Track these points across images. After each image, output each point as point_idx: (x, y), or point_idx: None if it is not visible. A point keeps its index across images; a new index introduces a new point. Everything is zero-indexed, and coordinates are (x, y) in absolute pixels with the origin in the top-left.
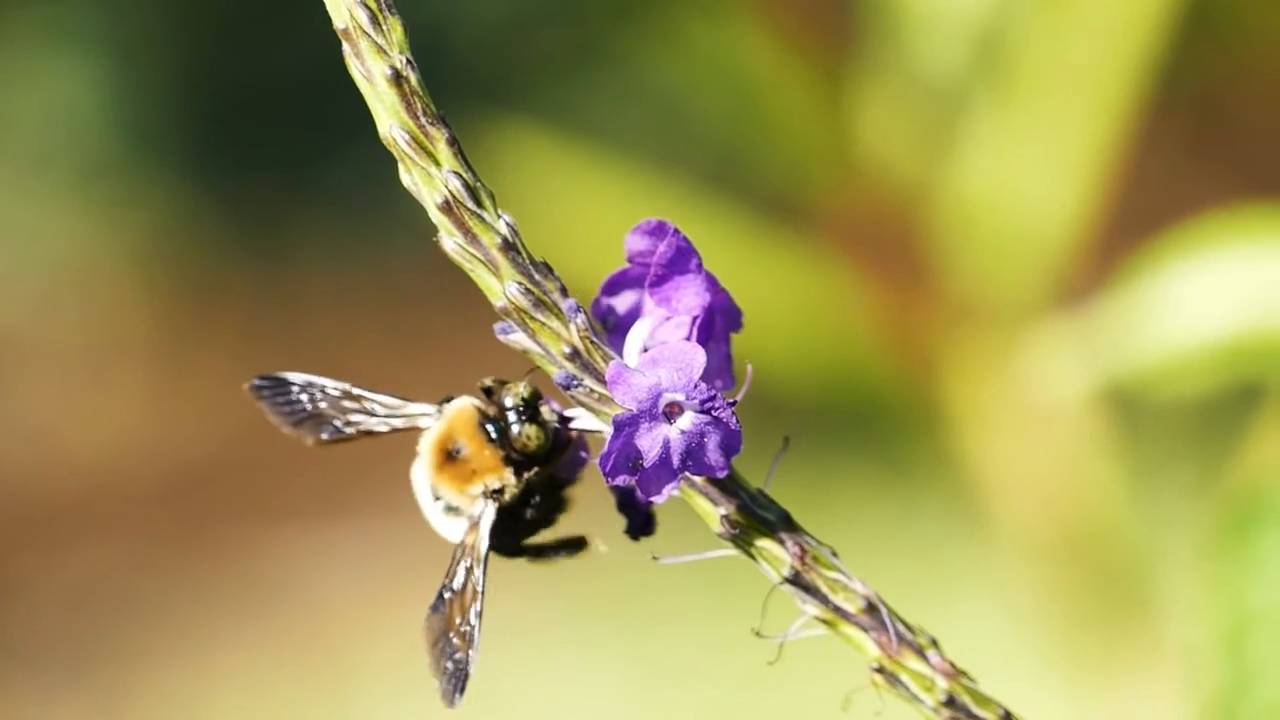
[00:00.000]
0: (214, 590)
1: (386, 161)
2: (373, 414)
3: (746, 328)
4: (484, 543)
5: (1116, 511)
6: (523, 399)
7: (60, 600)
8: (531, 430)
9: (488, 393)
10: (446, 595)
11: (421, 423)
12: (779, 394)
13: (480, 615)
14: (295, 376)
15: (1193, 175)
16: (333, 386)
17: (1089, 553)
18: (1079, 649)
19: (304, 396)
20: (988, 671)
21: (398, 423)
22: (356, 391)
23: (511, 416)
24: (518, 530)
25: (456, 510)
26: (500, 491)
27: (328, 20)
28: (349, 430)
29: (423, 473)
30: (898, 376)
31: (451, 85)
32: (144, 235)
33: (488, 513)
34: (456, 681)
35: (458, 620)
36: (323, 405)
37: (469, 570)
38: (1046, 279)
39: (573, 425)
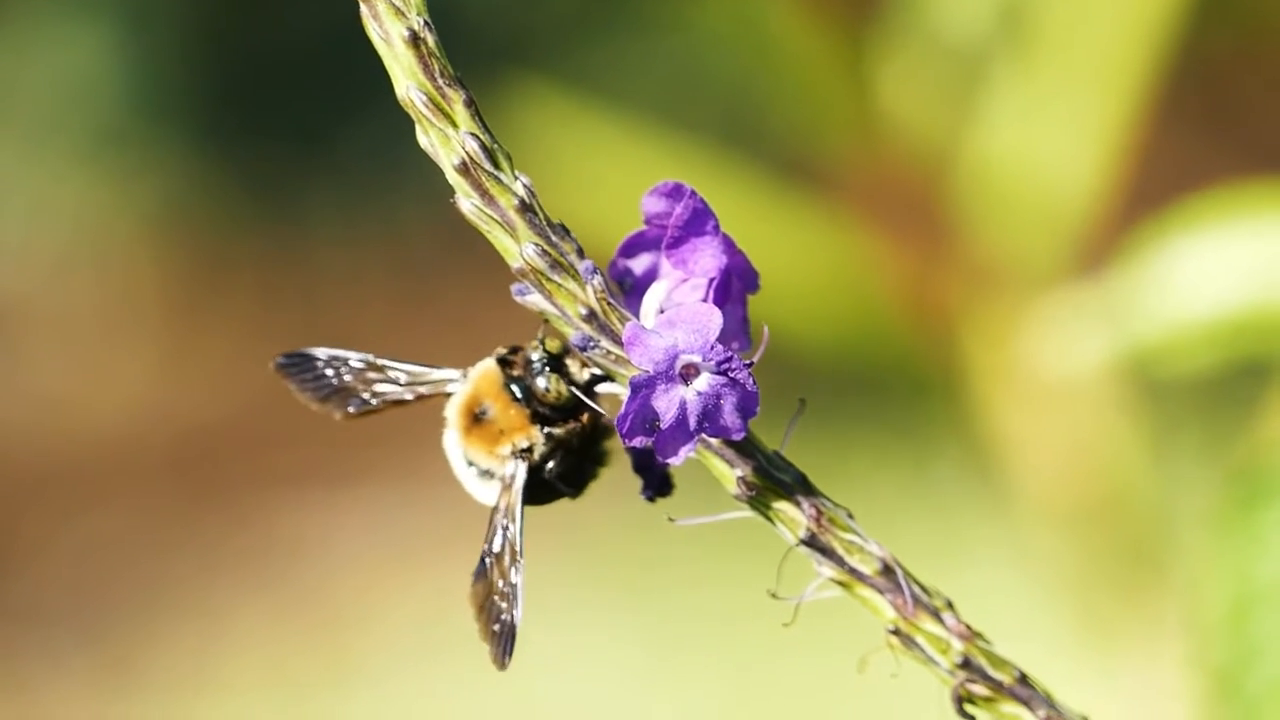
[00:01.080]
0: (225, 556)
1: (399, 129)
2: (398, 383)
3: (764, 291)
4: (518, 502)
5: (1132, 478)
6: (546, 352)
7: (71, 566)
8: (553, 381)
9: (513, 352)
10: (487, 559)
11: (448, 389)
12: (796, 358)
13: (520, 574)
14: (319, 351)
15: (1206, 151)
16: (357, 359)
17: (1105, 519)
18: (1095, 615)
19: (329, 371)
20: (1003, 637)
21: (423, 389)
22: (381, 362)
23: (536, 369)
24: (555, 486)
25: (489, 474)
26: (529, 450)
27: None
28: (375, 401)
29: (453, 439)
30: (915, 341)
31: (467, 48)
32: (156, 203)
33: (519, 472)
34: (504, 643)
35: (499, 582)
36: (348, 378)
37: (506, 531)
38: (1065, 245)
39: (600, 387)
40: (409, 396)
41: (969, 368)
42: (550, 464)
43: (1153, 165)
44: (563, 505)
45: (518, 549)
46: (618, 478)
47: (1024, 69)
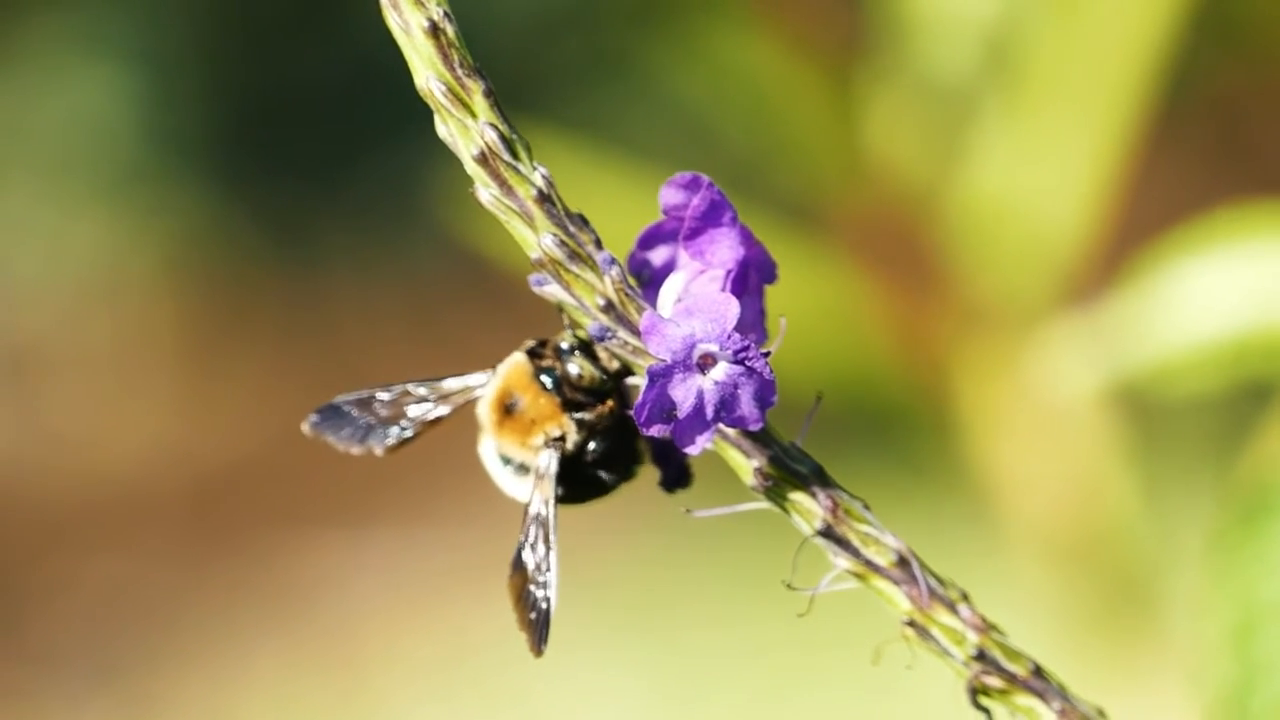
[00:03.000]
0: (242, 597)
1: (414, 168)
2: (428, 400)
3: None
4: (550, 491)
5: (1128, 511)
6: (576, 338)
7: (88, 606)
8: (584, 365)
9: (540, 345)
10: (523, 550)
11: (478, 392)
12: (792, 397)
13: (554, 561)
14: (345, 397)
15: (1211, 183)
16: (384, 392)
17: (1101, 553)
18: (1092, 649)
19: (360, 414)
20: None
21: (457, 398)
22: (408, 387)
23: (567, 353)
24: (589, 480)
25: (524, 469)
26: (561, 439)
27: (356, 29)
28: (410, 428)
29: (486, 439)
30: (908, 379)
31: None
32: (173, 243)
33: (551, 461)
34: (540, 629)
35: (534, 572)
36: (383, 413)
37: (540, 521)
38: (1057, 282)
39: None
40: (444, 410)
41: (961, 405)
42: (588, 448)
43: (1157, 196)
44: (578, 542)
45: (551, 539)
46: (631, 515)
47: (1012, 107)
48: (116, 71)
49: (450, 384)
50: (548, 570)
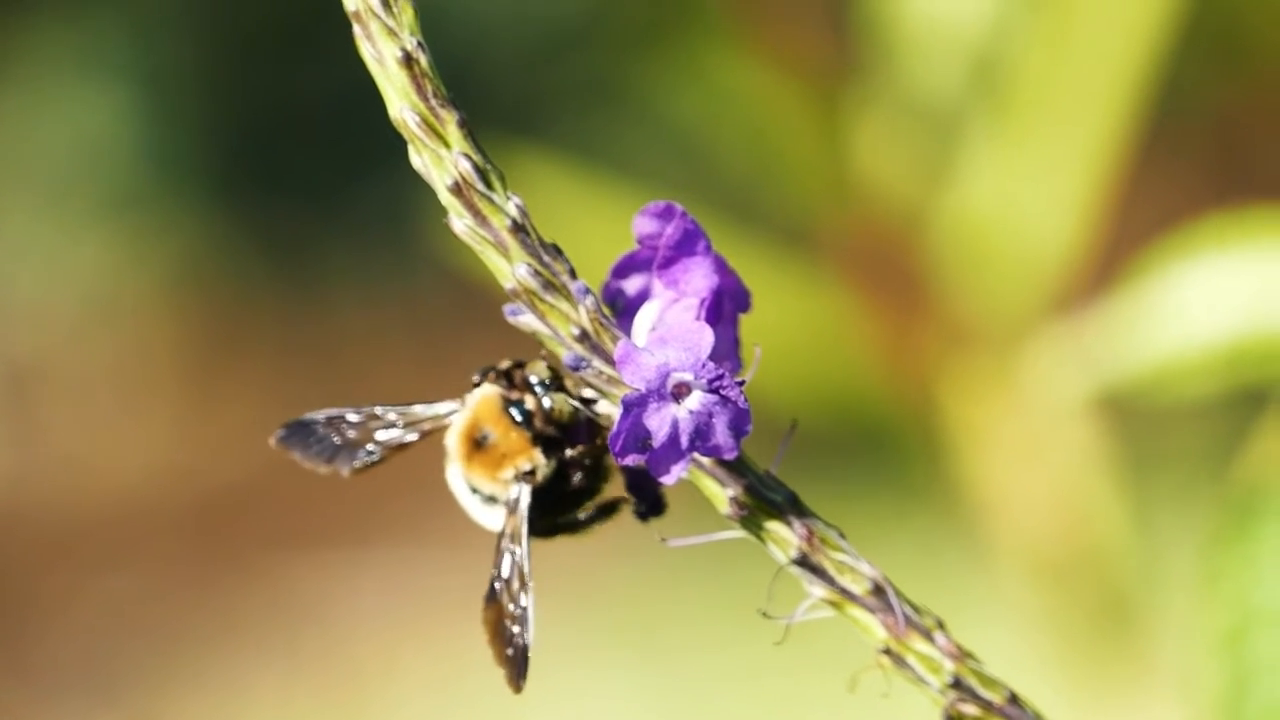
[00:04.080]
0: (242, 617)
1: (415, 187)
2: (397, 425)
3: (748, 350)
4: (523, 525)
5: (1118, 527)
6: (548, 373)
7: (89, 626)
8: (557, 398)
9: (507, 376)
10: (497, 585)
11: (448, 420)
12: (776, 417)
13: (530, 597)
14: (315, 415)
15: (1205, 199)
16: (353, 413)
17: (1091, 569)
18: (1082, 666)
19: (327, 432)
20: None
21: (425, 426)
22: (377, 410)
23: (539, 390)
24: (557, 508)
25: (494, 499)
26: (532, 473)
27: (355, 49)
28: (378, 451)
29: (454, 468)
30: (895, 398)
31: (472, 115)
32: (172, 263)
33: (523, 495)
34: (518, 666)
35: (510, 606)
36: (350, 434)
37: (514, 555)
38: (1046, 301)
39: (594, 407)
40: (412, 437)
41: (950, 422)
42: (555, 485)
43: (1153, 214)
44: (578, 565)
45: (525, 572)
46: (631, 539)
47: (1000, 125)
48: (116, 92)
49: (420, 410)
50: (524, 605)
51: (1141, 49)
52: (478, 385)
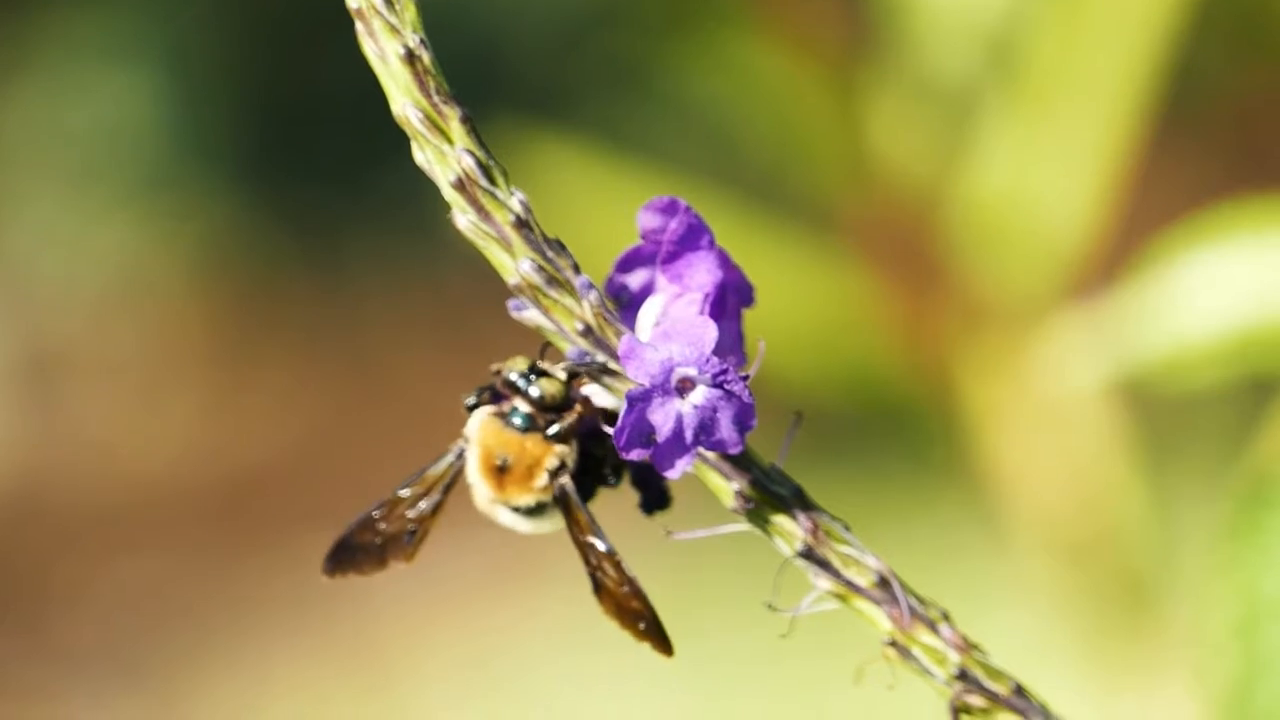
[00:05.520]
0: (269, 598)
1: None
2: (423, 495)
3: (760, 330)
4: (583, 512)
5: (1135, 508)
6: (524, 364)
7: (116, 608)
8: (546, 383)
9: (492, 391)
10: (597, 575)
11: (463, 460)
12: (792, 397)
13: (627, 567)
14: (346, 531)
15: (1222, 184)
16: (377, 509)
17: (1108, 550)
18: (1097, 647)
19: (367, 539)
20: (1008, 668)
21: (446, 479)
22: (400, 493)
23: (522, 385)
24: (600, 475)
25: (542, 508)
26: (562, 466)
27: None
28: (417, 531)
29: (487, 497)
30: (912, 378)
31: (495, 100)
32: (199, 247)
33: (569, 489)
34: (657, 634)
35: (618, 589)
36: (385, 528)
37: (593, 545)
38: (1063, 280)
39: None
40: (439, 497)
41: (968, 402)
42: (589, 462)
43: (1169, 198)
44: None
45: (612, 551)
46: (649, 523)
47: (1016, 105)
48: (142, 76)
49: (434, 470)
50: (629, 579)
51: (1158, 32)
52: (472, 410)
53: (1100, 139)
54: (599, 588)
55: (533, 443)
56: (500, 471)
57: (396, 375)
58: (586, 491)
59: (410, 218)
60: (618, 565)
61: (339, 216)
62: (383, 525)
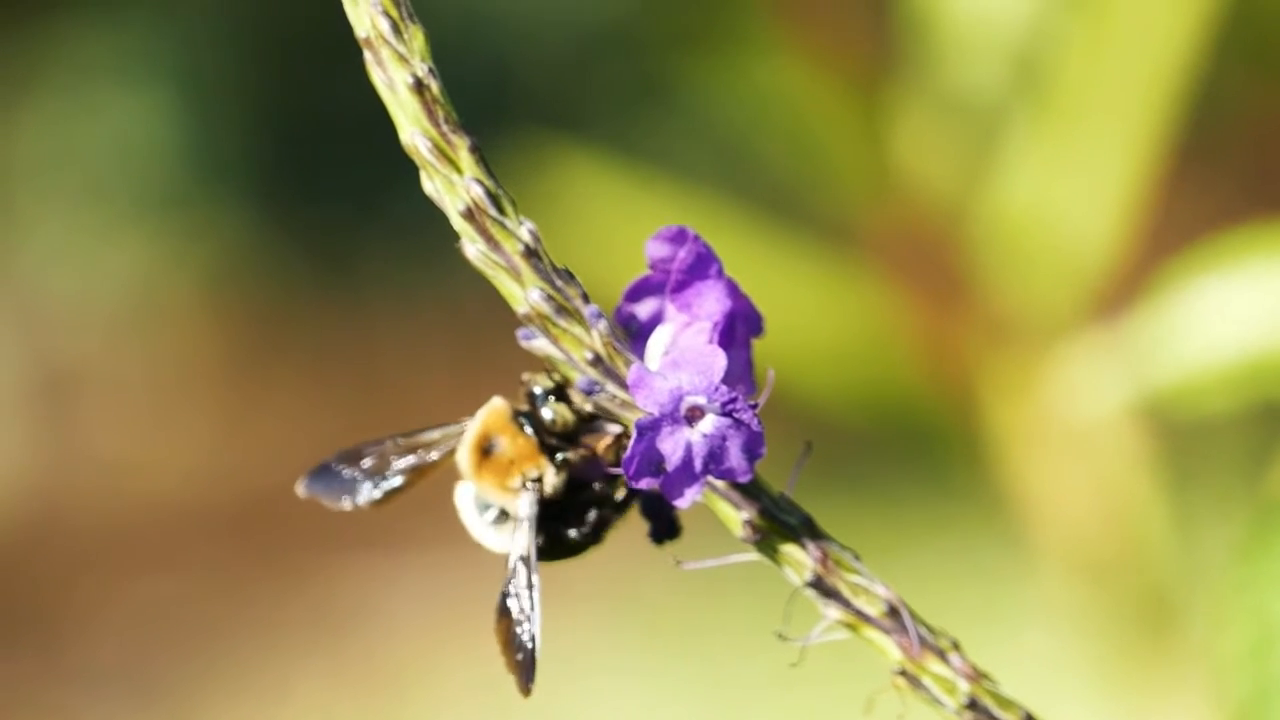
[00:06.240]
0: (283, 618)
1: None
2: (415, 450)
3: (782, 347)
4: (530, 532)
5: (1156, 528)
6: (550, 383)
7: (130, 627)
8: (562, 410)
9: (527, 385)
10: (509, 599)
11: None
12: (815, 415)
13: (538, 599)
14: (334, 458)
15: (1241, 205)
16: (370, 447)
17: (1131, 571)
18: (1121, 668)
19: (347, 469)
20: (1031, 689)
21: (443, 446)
22: (399, 440)
23: (539, 400)
24: (565, 534)
25: (504, 517)
26: (539, 480)
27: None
28: (396, 481)
29: (465, 486)
30: (936, 396)
31: (516, 115)
32: (213, 266)
33: (529, 499)
34: (526, 669)
35: (519, 613)
36: (370, 467)
37: (523, 562)
38: (1086, 299)
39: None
40: (431, 458)
41: (990, 421)
42: (564, 501)
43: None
44: (613, 571)
45: (534, 580)
46: (664, 547)
47: (1040, 122)
48: (154, 96)
49: (435, 434)
50: (531, 611)
51: (1179, 55)
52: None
53: (1124, 159)
54: (503, 611)
55: (526, 444)
56: (485, 454)
57: (409, 397)
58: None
59: (423, 239)
60: (532, 596)
61: (351, 237)
62: (366, 463)
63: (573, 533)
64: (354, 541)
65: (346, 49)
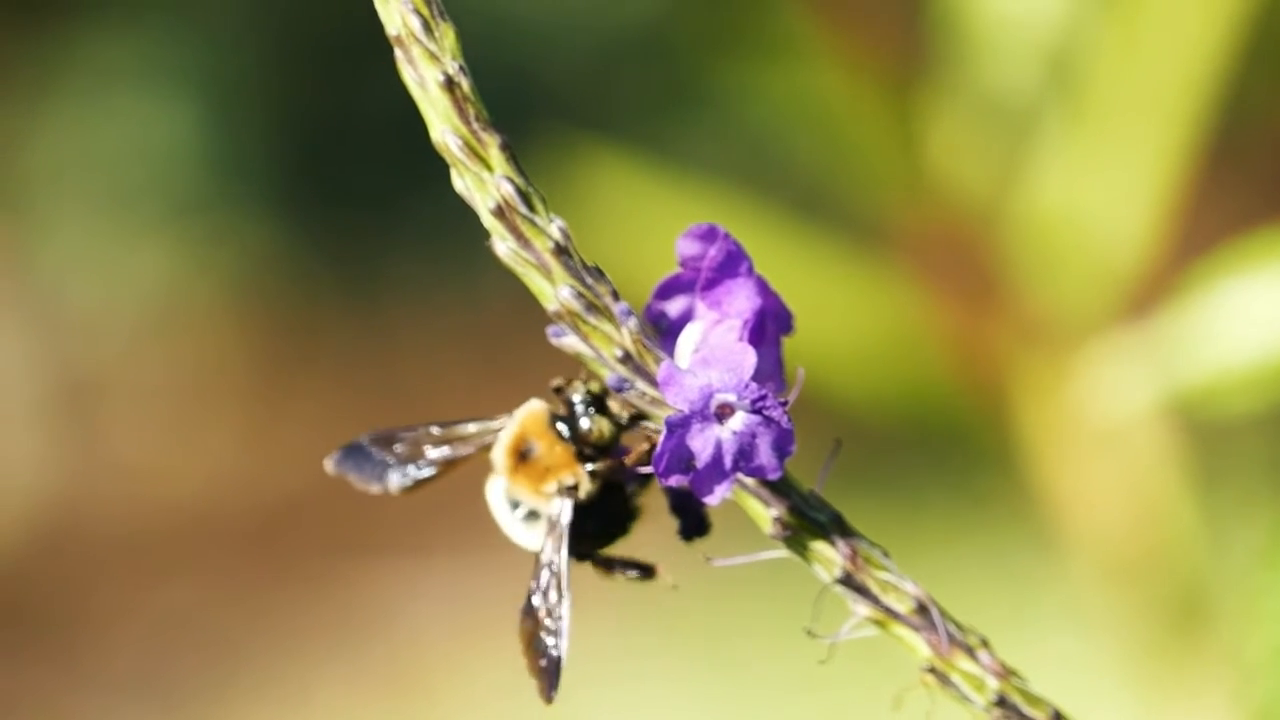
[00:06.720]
0: (306, 626)
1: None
2: (448, 442)
3: (813, 347)
4: (564, 539)
5: (1186, 530)
6: (589, 393)
7: (152, 635)
8: (601, 422)
9: (558, 392)
10: (534, 599)
11: (498, 435)
12: (847, 415)
13: (567, 609)
14: (367, 437)
15: (1269, 209)
16: (405, 432)
17: (1161, 573)
18: (1150, 668)
19: (379, 452)
20: (1059, 690)
21: (477, 441)
22: (432, 429)
23: (579, 410)
24: (593, 535)
25: (534, 515)
26: (575, 488)
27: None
28: (427, 470)
29: (498, 483)
30: (967, 396)
31: (545, 115)
32: (235, 273)
33: (565, 508)
34: (551, 677)
35: (546, 618)
36: (401, 451)
37: (552, 567)
38: (1115, 298)
39: (643, 424)
40: (465, 451)
41: (1019, 421)
42: (596, 506)
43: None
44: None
45: (564, 584)
46: (689, 548)
47: (1072, 124)
48: (179, 101)
49: (471, 427)
50: (560, 618)
51: (1209, 59)
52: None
53: (1155, 160)
54: (529, 612)
55: (563, 451)
56: (521, 458)
57: (433, 403)
58: (578, 548)
59: (448, 245)
60: (561, 602)
61: (375, 243)
62: (399, 448)
63: (596, 536)
64: (376, 548)
65: (370, 54)
